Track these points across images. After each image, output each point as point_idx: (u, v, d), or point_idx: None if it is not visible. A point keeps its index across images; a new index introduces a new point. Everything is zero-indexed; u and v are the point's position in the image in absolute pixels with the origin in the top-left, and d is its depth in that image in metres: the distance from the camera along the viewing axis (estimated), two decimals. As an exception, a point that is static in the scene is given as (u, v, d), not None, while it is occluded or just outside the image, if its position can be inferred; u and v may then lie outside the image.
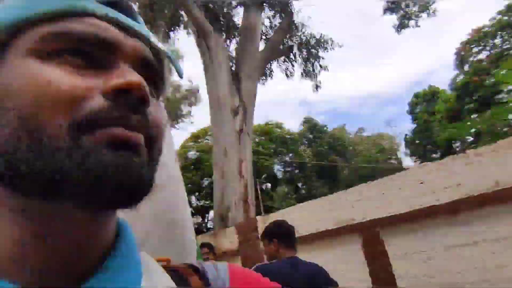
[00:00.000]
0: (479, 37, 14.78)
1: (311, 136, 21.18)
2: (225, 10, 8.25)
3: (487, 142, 6.20)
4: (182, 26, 9.13)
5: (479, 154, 2.60)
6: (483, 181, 2.50)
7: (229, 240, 4.69)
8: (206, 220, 15.64)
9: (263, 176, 16.44)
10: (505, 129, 10.78)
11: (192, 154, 16.01)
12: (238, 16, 8.54)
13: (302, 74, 9.46)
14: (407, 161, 21.71)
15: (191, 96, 17.09)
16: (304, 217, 3.66)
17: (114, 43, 0.26)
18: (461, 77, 15.27)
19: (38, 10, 0.24)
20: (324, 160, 18.56)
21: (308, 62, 9.26)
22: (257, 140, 16.41)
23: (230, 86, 6.84)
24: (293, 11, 8.57)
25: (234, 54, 8.09)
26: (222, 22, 8.08)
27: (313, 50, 9.11)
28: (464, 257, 2.55)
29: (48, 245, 0.23)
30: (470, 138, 13.98)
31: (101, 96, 0.24)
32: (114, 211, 0.27)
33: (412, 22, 9.34)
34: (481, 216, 2.51)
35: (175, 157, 0.69)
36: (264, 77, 9.29)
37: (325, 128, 21.88)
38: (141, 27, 0.29)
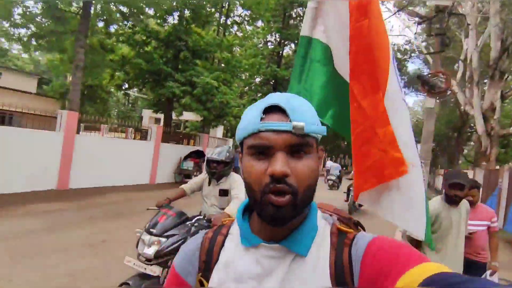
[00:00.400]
0: None
1: None
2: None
3: None
4: None
5: None
6: None
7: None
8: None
9: None
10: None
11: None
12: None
13: None
14: None
15: None
16: None
17: (269, 144, 0.53)
18: None
19: (244, 135, 0.56)
20: None
21: None
22: None
23: None
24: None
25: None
26: None
27: None
28: None
29: (267, 229, 0.58)
30: None
31: (267, 176, 0.52)
32: (299, 214, 0.57)
33: None
34: None
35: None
36: None
37: None
38: (291, 123, 0.53)
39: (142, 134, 15.51)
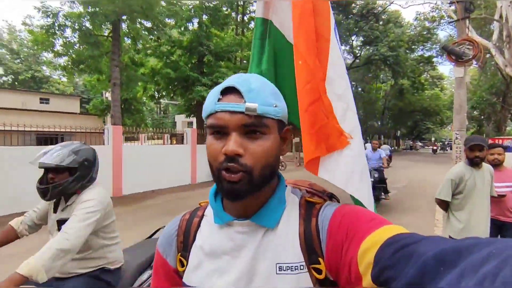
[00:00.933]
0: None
1: None
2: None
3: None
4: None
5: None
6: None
7: None
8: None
9: None
10: None
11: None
12: None
13: None
14: None
15: None
16: None
17: (225, 124, 0.56)
18: None
19: (204, 115, 0.60)
20: None
21: None
22: None
23: None
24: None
25: None
26: None
27: None
28: None
29: (235, 206, 0.62)
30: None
31: (222, 154, 0.56)
32: (257, 191, 0.59)
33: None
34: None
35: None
36: None
37: None
38: (244, 105, 0.55)
39: (178, 139, 16.42)
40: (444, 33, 39.32)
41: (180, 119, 24.98)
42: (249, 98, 0.55)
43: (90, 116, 20.81)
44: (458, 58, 6.65)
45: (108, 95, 22.90)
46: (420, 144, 50.39)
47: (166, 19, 11.10)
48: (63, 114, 19.42)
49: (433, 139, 50.38)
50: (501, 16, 13.65)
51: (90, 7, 9.36)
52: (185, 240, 0.68)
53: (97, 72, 11.88)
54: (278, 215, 0.61)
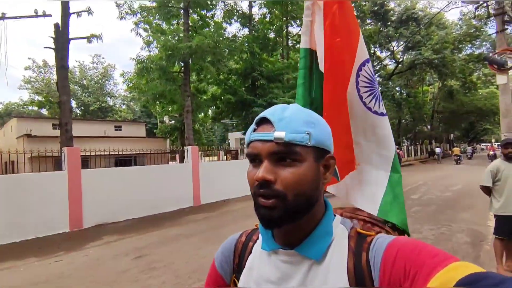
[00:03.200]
0: None
1: None
2: None
3: None
4: None
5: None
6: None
7: None
8: None
9: None
10: None
11: None
12: None
13: None
14: None
15: None
16: None
17: (257, 152, 0.59)
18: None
19: (246, 143, 0.63)
20: None
21: None
22: None
23: None
24: None
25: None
26: None
27: None
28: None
29: (280, 234, 0.63)
30: None
31: (256, 181, 0.58)
32: (293, 219, 0.59)
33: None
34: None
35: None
36: None
37: None
38: (273, 133, 0.57)
39: (233, 154, 18.11)
40: (494, 29, 36.90)
41: (233, 136, 26.95)
42: (279, 127, 0.58)
43: (155, 139, 23.60)
44: (499, 67, 7.29)
45: (166, 119, 25.71)
46: (480, 146, 46.94)
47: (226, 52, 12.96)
48: (133, 138, 22.36)
49: (493, 140, 46.76)
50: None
51: (168, 50, 11.49)
52: (240, 263, 0.71)
53: (172, 102, 14.09)
54: (323, 247, 0.60)
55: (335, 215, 0.66)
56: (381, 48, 31.64)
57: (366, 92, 1.08)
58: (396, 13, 28.80)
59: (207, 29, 14.26)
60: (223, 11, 15.13)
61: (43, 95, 35.03)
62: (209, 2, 13.70)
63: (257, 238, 0.71)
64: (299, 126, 0.58)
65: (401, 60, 31.80)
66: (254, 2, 16.57)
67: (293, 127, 0.58)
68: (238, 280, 0.70)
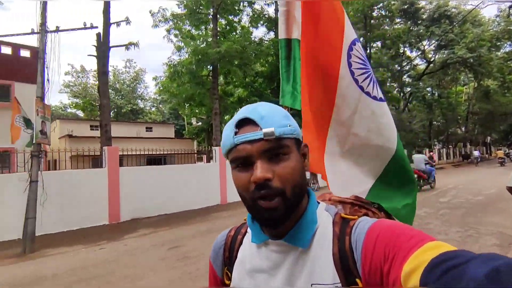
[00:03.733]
0: None
1: None
2: None
3: None
4: None
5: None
6: None
7: None
8: None
9: None
10: None
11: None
12: None
13: None
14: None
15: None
16: None
17: (247, 154, 0.57)
18: None
19: (224, 151, 0.62)
20: None
21: None
22: None
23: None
24: None
25: None
26: None
27: None
28: None
29: (269, 229, 0.64)
30: None
31: (252, 184, 0.57)
32: (292, 212, 0.61)
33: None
34: None
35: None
36: None
37: None
38: (261, 131, 0.57)
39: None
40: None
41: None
42: (264, 124, 0.57)
43: (183, 139, 24.52)
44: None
45: (193, 121, 26.53)
46: None
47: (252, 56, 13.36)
48: (163, 139, 23.39)
49: None
50: None
51: (197, 55, 12.06)
52: (230, 255, 0.73)
53: (201, 104, 14.70)
54: (309, 235, 0.61)
55: (319, 203, 0.68)
56: (411, 47, 30.71)
57: (361, 74, 1.02)
58: (427, 11, 27.86)
59: (234, 33, 14.74)
60: (249, 16, 15.54)
61: (83, 98, 37.39)
62: (236, 8, 14.20)
63: (246, 231, 0.73)
64: (281, 120, 0.59)
65: (432, 59, 30.64)
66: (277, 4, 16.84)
67: (277, 122, 0.58)
68: (230, 273, 0.72)
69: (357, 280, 0.55)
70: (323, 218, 0.64)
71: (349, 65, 1.00)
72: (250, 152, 0.57)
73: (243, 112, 0.61)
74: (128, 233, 7.10)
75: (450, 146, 34.23)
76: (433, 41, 28.82)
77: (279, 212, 0.57)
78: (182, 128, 34.22)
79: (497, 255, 0.39)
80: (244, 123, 0.59)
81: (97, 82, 37.52)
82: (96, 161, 15.62)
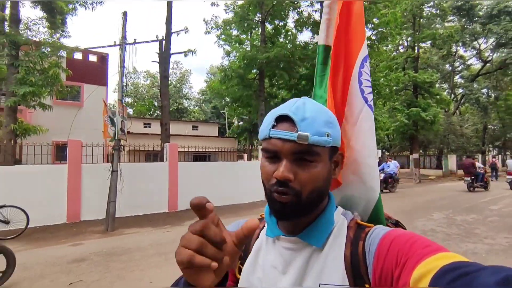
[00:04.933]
0: None
1: None
2: None
3: None
4: None
5: None
6: None
7: None
8: None
9: None
10: None
11: None
12: None
13: None
14: None
15: None
16: None
17: (277, 150, 0.59)
18: None
19: (260, 138, 0.63)
20: None
21: None
22: None
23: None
24: None
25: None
26: None
27: None
28: None
29: (286, 223, 0.66)
30: None
31: (273, 178, 0.59)
32: (304, 213, 0.62)
33: None
34: None
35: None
36: None
37: None
38: (296, 134, 0.57)
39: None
40: None
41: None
42: (302, 127, 0.58)
43: (226, 138, 25.71)
44: None
45: (235, 121, 27.54)
46: None
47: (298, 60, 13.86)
48: (208, 137, 24.75)
49: None
50: None
51: (246, 60, 12.87)
52: (245, 248, 0.72)
53: (248, 106, 15.55)
54: (324, 235, 0.63)
55: (337, 207, 0.69)
56: (465, 46, 28.92)
57: (367, 87, 1.04)
58: (485, 7, 26.07)
59: (280, 37, 15.33)
60: (294, 20, 16.03)
61: (134, 98, 40.47)
62: (282, 13, 14.78)
63: (263, 226, 0.74)
64: (321, 127, 0.59)
65: (489, 59, 28.56)
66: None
67: (315, 128, 0.59)
68: (242, 266, 0.71)
69: (366, 285, 0.57)
70: (339, 222, 0.66)
71: (360, 74, 1.03)
72: (280, 149, 0.59)
73: (288, 107, 0.61)
74: (187, 220, 8.04)
75: (507, 153, 31.59)
76: (491, 40, 26.90)
77: (289, 208, 0.59)
78: (223, 127, 35.69)
79: (508, 267, 0.38)
80: (284, 119, 0.60)
81: (147, 82, 40.03)
82: (149, 156, 17.21)
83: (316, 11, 15.60)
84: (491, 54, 28.43)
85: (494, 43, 26.82)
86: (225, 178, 10.83)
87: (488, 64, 28.46)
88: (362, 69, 1.04)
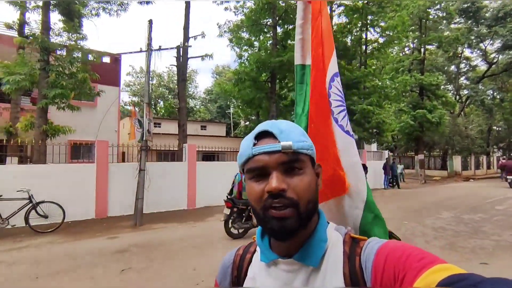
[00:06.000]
0: None
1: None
2: None
3: None
4: None
5: None
6: None
7: None
8: None
9: None
10: None
11: None
12: None
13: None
14: None
15: None
16: None
17: (264, 164, 0.59)
18: None
19: (242, 161, 0.64)
20: None
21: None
22: None
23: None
24: None
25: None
26: None
27: None
28: None
29: (279, 244, 0.65)
30: None
31: (265, 193, 0.58)
32: (304, 227, 0.61)
33: None
34: None
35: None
36: None
37: None
38: (279, 144, 0.59)
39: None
40: None
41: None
42: (282, 138, 0.60)
43: (234, 138, 26.19)
44: None
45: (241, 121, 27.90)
46: None
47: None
48: (216, 137, 25.23)
49: None
50: None
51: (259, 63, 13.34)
52: (239, 275, 0.73)
53: (259, 107, 16.03)
54: (320, 253, 0.62)
55: (328, 222, 0.69)
56: (471, 48, 29.16)
57: (337, 106, 1.04)
58: (491, 9, 26.32)
59: (290, 40, 15.75)
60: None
61: (167, 101, 40.86)
62: (292, 16, 15.19)
63: (255, 250, 0.73)
64: (299, 136, 0.62)
65: (495, 61, 28.79)
66: (333, 11, 17.50)
67: (295, 137, 0.61)
68: None
69: None
70: (334, 238, 0.65)
71: (328, 95, 1.02)
72: (267, 163, 0.59)
73: (263, 126, 0.64)
74: (208, 216, 8.51)
75: (511, 154, 31.79)
76: (497, 42, 27.13)
77: (290, 222, 0.58)
78: (228, 127, 36.16)
79: (507, 280, 0.39)
80: (263, 135, 0.62)
81: (153, 82, 40.24)
82: (160, 155, 17.67)
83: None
84: (496, 56, 28.64)
85: (500, 45, 27.06)
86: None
87: (493, 66, 28.68)
88: (330, 90, 1.04)
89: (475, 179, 21.71)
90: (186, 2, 11.60)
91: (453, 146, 26.02)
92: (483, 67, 30.89)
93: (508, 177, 15.66)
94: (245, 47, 16.02)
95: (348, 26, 15.81)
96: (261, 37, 16.17)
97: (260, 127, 0.64)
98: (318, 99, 1.05)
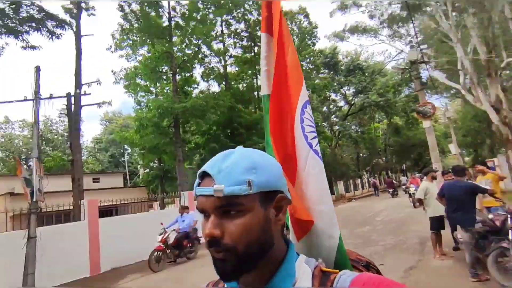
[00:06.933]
0: None
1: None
2: None
3: None
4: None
5: None
6: None
7: None
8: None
9: None
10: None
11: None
12: None
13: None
14: None
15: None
16: None
17: (202, 207, 0.59)
18: None
19: (194, 195, 0.62)
20: None
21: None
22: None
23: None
24: None
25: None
26: None
27: None
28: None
29: (243, 280, 0.61)
30: None
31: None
32: (249, 269, 0.59)
33: None
34: None
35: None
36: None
37: None
38: (211, 188, 0.57)
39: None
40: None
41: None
42: (218, 179, 0.57)
43: (134, 188, 24.13)
44: (424, 116, 10.09)
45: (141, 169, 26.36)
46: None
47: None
48: (113, 189, 22.73)
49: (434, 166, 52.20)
50: (462, 65, 17.19)
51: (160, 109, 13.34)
52: None
53: (164, 153, 15.56)
54: (286, 287, 0.59)
55: (298, 255, 0.66)
56: (336, 92, 36.24)
57: (311, 132, 1.02)
58: (344, 64, 33.88)
59: (189, 88, 16.43)
60: (201, 71, 17.54)
61: (6, 152, 33.96)
62: (189, 65, 16.06)
63: (223, 285, 0.70)
64: (238, 176, 0.57)
65: (353, 102, 36.41)
66: (226, 62, 19.31)
67: (232, 178, 0.57)
68: None
69: None
70: (302, 271, 0.62)
71: (302, 120, 1.02)
72: (204, 206, 0.59)
73: (208, 163, 0.61)
74: (120, 279, 7.51)
75: (375, 175, 39.51)
76: (352, 88, 34.71)
77: (229, 265, 0.57)
78: (124, 176, 33.25)
79: None
80: (205, 175, 0.60)
81: (23, 133, 34.28)
82: (50, 218, 14.65)
83: (220, 61, 17.53)
84: (353, 99, 36.37)
85: (354, 91, 34.64)
86: (149, 230, 10.29)
87: (352, 107, 36.17)
88: (303, 116, 1.03)
89: (356, 199, 25.89)
90: (76, 48, 10.92)
91: (335, 173, 30.72)
92: (345, 107, 38.50)
93: (389, 190, 20.84)
94: (142, 93, 15.80)
95: (241, 74, 17.64)
96: (158, 84, 16.32)
97: (204, 166, 0.61)
98: (284, 126, 1.06)
